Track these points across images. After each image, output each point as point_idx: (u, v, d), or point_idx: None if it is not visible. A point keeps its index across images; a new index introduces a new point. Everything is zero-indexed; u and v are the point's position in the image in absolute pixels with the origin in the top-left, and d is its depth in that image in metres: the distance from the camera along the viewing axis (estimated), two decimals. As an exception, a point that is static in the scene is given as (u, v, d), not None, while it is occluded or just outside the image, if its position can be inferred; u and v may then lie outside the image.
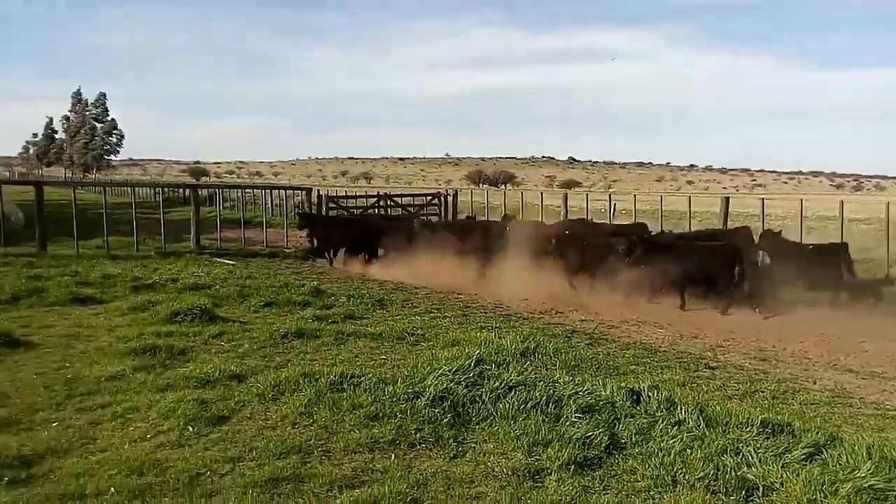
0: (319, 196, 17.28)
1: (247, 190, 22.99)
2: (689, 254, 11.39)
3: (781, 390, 6.39)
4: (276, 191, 20.68)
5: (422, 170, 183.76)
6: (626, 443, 4.60)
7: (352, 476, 4.06)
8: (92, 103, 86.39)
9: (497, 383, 5.29)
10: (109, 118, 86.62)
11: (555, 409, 4.96)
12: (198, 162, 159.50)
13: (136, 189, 22.45)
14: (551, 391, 5.21)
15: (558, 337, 8.13)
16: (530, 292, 11.49)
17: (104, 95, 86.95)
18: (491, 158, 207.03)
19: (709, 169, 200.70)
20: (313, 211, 16.46)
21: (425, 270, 13.00)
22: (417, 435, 4.64)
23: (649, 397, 5.30)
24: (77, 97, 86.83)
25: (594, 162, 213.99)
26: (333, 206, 17.23)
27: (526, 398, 5.03)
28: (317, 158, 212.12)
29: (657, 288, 11.47)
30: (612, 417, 4.94)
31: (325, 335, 7.52)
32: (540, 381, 5.44)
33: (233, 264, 13.32)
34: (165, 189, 30.35)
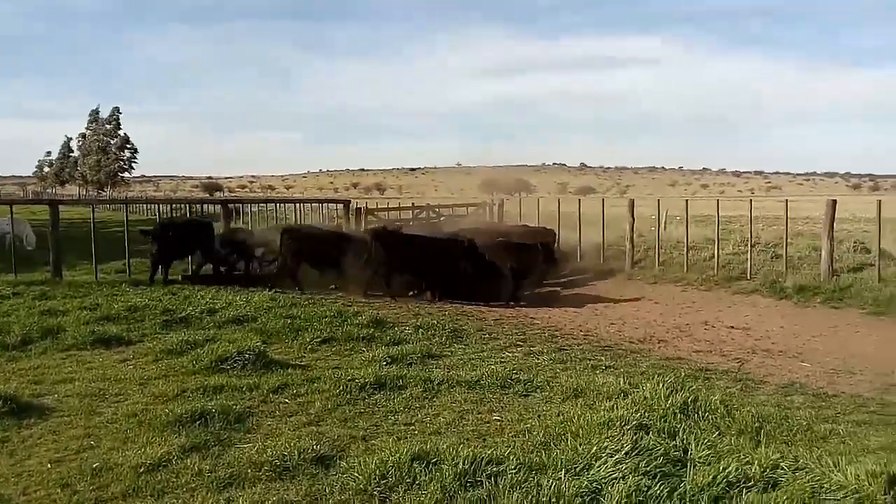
0: (357, 209, 15.76)
1: (271, 204, 21.38)
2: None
3: None
4: (307, 204, 19.03)
5: (433, 179, 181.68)
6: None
7: None
8: (104, 119, 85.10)
9: (705, 476, 3.71)
10: (122, 133, 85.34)
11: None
12: (210, 177, 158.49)
13: (154, 206, 21.07)
14: (790, 486, 3.64)
15: (695, 379, 6.54)
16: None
17: (117, 110, 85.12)
18: (502, 166, 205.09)
19: (722, 172, 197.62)
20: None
21: None
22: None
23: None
24: (94, 115, 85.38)
25: (606, 168, 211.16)
26: (373, 219, 15.73)
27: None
28: (328, 171, 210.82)
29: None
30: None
31: (410, 385, 5.98)
32: (755, 466, 3.86)
33: (272, 289, 11.80)
34: (185, 205, 28.92)
